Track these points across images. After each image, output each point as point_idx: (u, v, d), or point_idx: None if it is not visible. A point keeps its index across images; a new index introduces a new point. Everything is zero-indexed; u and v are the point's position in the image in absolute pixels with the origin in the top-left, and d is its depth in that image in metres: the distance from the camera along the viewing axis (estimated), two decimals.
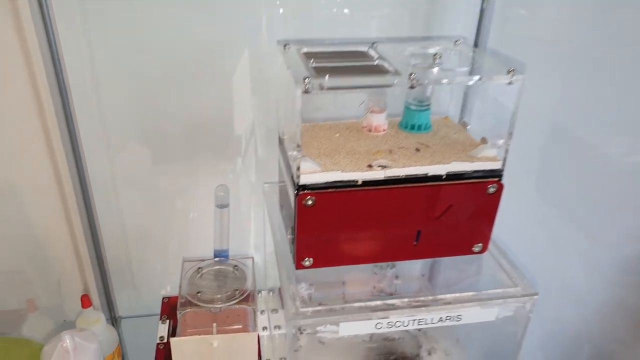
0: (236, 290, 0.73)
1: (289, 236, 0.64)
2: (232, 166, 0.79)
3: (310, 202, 0.56)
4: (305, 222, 0.58)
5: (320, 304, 0.58)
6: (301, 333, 0.79)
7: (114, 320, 0.86)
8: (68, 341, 0.59)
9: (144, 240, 0.83)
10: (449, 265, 0.72)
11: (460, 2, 0.72)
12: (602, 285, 0.66)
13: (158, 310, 0.80)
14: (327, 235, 0.59)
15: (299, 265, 0.61)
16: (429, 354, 0.80)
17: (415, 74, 0.52)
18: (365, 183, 0.57)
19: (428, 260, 0.78)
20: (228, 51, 0.70)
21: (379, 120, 0.64)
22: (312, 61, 0.57)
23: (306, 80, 0.49)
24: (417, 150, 0.61)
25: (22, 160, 0.73)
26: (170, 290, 0.88)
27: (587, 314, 0.70)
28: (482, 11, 0.69)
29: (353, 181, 0.57)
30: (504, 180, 0.60)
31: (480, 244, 0.63)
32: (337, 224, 0.58)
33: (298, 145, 0.55)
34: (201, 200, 0.80)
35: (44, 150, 0.72)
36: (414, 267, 0.81)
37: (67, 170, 0.72)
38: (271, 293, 0.88)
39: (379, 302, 0.59)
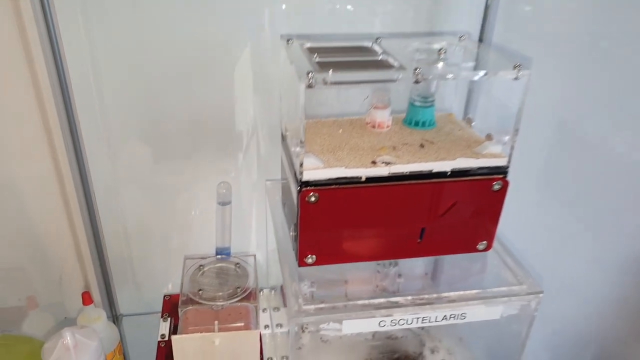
0: (238, 288, 0.72)
1: (291, 233, 0.63)
2: (233, 164, 0.79)
3: (313, 199, 0.56)
4: (308, 219, 0.57)
5: (323, 302, 0.57)
6: (303, 331, 0.79)
7: (115, 318, 0.86)
8: (69, 338, 0.59)
9: (146, 237, 0.83)
10: (453, 263, 0.72)
11: None
12: (607, 284, 0.65)
13: (159, 308, 0.80)
14: (330, 233, 0.59)
15: (301, 263, 0.60)
16: (432, 352, 0.80)
17: (420, 68, 0.51)
18: (369, 179, 0.56)
19: (431, 259, 0.77)
20: (230, 47, 0.70)
21: (383, 117, 0.63)
22: (315, 56, 0.56)
23: (310, 75, 0.49)
24: (422, 146, 0.61)
25: (24, 157, 0.72)
26: (172, 288, 0.88)
27: (592, 313, 0.69)
28: (486, 7, 0.69)
29: (356, 178, 0.56)
30: (509, 177, 0.59)
31: (484, 242, 0.63)
32: (340, 221, 0.58)
33: (301, 141, 0.54)
34: (203, 198, 0.80)
35: (45, 148, 0.72)
36: (417, 266, 0.80)
37: (68, 168, 0.72)
38: (273, 291, 0.88)
39: (382, 300, 0.58)
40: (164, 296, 0.82)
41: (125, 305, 0.88)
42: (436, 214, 0.59)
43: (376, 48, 0.62)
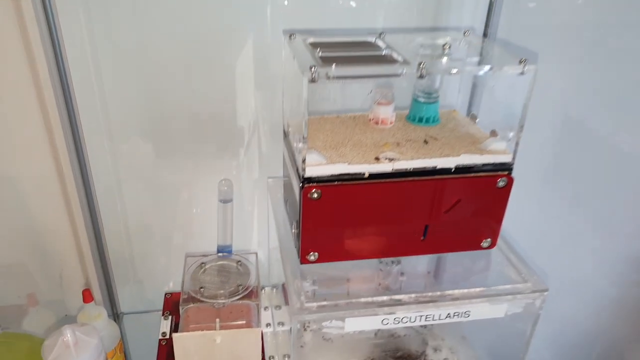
0: (239, 285, 0.72)
1: (293, 230, 0.63)
2: (235, 161, 0.78)
3: (315, 195, 0.55)
4: (311, 216, 0.57)
5: (325, 300, 0.57)
6: (305, 329, 0.78)
7: (116, 316, 0.85)
8: (69, 335, 0.59)
9: (147, 235, 0.83)
10: (456, 262, 0.71)
11: None
12: (611, 282, 0.65)
13: (160, 306, 0.79)
14: (332, 230, 0.58)
15: (303, 260, 0.60)
16: (435, 351, 0.79)
17: (424, 63, 0.50)
18: (372, 176, 0.56)
19: (434, 257, 0.77)
20: (232, 43, 0.69)
21: (386, 113, 0.63)
22: (318, 51, 0.56)
23: (313, 69, 0.48)
24: (426, 142, 0.60)
25: (24, 153, 0.72)
26: (173, 286, 0.88)
27: (596, 311, 0.69)
28: (491, 2, 0.68)
29: (360, 174, 0.56)
30: (514, 174, 0.58)
31: (489, 239, 0.62)
32: (343, 218, 0.57)
33: (304, 137, 0.53)
34: (204, 195, 0.80)
35: (46, 144, 0.71)
36: (420, 264, 0.79)
37: (69, 165, 0.72)
38: (275, 289, 0.88)
39: (385, 298, 0.58)
40: (165, 294, 0.82)
41: (126, 303, 0.87)
42: (440, 211, 0.59)
43: (380, 43, 0.61)
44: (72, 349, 0.59)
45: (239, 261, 0.77)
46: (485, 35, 0.69)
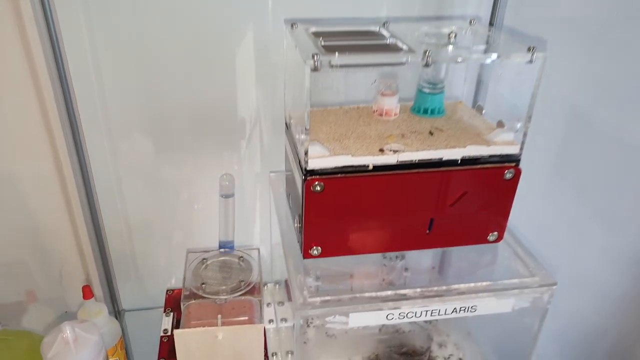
0: (242, 281, 0.71)
1: (296, 225, 0.62)
2: (236, 156, 0.77)
3: (318, 188, 0.54)
4: (314, 209, 0.56)
5: (328, 295, 0.56)
6: (308, 325, 0.77)
7: (117, 313, 0.85)
8: (68, 332, 0.58)
9: (148, 231, 0.82)
10: (462, 257, 0.70)
11: None
12: (620, 277, 0.64)
13: (162, 303, 0.79)
14: (336, 223, 0.57)
15: (306, 255, 0.59)
16: (440, 346, 0.78)
17: (430, 51, 0.49)
18: (377, 168, 0.55)
19: (439, 252, 0.76)
20: (232, 35, 0.68)
21: (391, 104, 0.62)
22: (320, 40, 0.55)
23: (315, 58, 0.47)
24: (431, 134, 0.59)
25: (22, 150, 0.71)
26: (175, 282, 0.87)
27: (604, 306, 0.68)
28: None
29: (364, 166, 0.55)
30: (521, 166, 0.57)
31: (495, 233, 0.61)
32: (346, 211, 0.56)
33: (306, 129, 0.52)
34: (206, 191, 0.79)
35: (45, 140, 0.71)
36: (425, 259, 0.78)
37: (68, 162, 0.71)
38: (277, 286, 0.87)
39: (390, 292, 0.57)
40: (167, 291, 0.81)
41: (127, 300, 0.87)
42: (446, 203, 0.58)
43: (384, 32, 0.60)
44: (71, 346, 0.58)
45: (241, 257, 0.76)
46: (491, 24, 0.67)
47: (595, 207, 0.64)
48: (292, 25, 0.60)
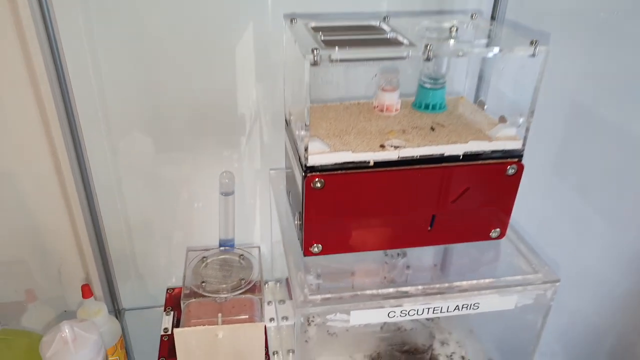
0: (242, 279, 0.70)
1: (296, 222, 0.61)
2: (236, 153, 0.77)
3: (318, 185, 0.53)
4: (314, 206, 0.55)
5: (329, 292, 0.55)
6: (309, 324, 0.76)
7: (117, 312, 0.84)
8: (67, 331, 0.57)
9: (148, 229, 0.82)
10: (464, 253, 0.69)
11: None
12: (625, 274, 0.63)
13: (163, 302, 0.78)
14: (336, 220, 0.57)
15: (307, 252, 0.58)
16: (442, 344, 0.78)
17: (431, 45, 0.48)
18: (377, 164, 0.54)
19: (440, 250, 0.75)
20: (231, 31, 0.68)
21: (392, 99, 0.61)
22: (320, 35, 0.54)
23: (315, 52, 0.46)
24: (432, 129, 0.58)
25: (21, 149, 0.71)
26: (175, 281, 0.86)
27: (608, 303, 0.67)
28: None
29: (364, 162, 0.54)
30: (524, 162, 0.56)
31: (498, 229, 0.61)
32: (347, 208, 0.56)
33: (306, 125, 0.52)
34: (206, 189, 0.78)
35: (43, 139, 0.70)
36: (426, 257, 0.78)
37: (67, 160, 0.71)
38: (278, 284, 0.86)
39: (391, 290, 0.56)
40: (167, 289, 0.81)
41: (128, 299, 0.86)
42: (447, 200, 0.57)
43: (384, 27, 0.59)
44: (70, 345, 0.57)
45: (242, 255, 0.75)
46: (493, 18, 0.67)
47: (598, 203, 0.63)
48: (291, 20, 0.59)
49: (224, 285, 0.69)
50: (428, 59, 0.49)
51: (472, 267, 0.64)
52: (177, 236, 0.83)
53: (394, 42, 0.54)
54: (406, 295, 0.56)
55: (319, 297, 0.54)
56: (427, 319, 0.79)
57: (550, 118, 0.64)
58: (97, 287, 0.82)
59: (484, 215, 0.59)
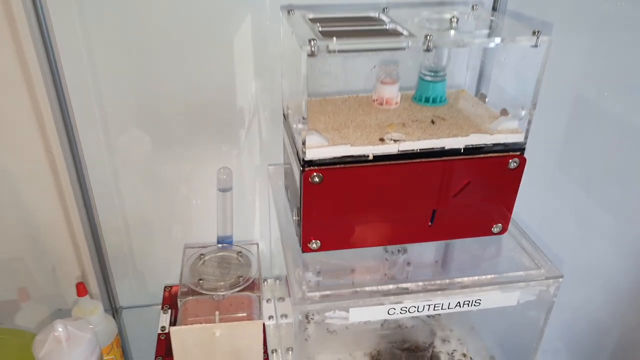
0: (240, 277, 0.69)
1: (294, 218, 0.60)
2: (235, 149, 0.76)
3: (317, 179, 0.52)
4: (312, 201, 0.54)
5: (328, 289, 0.54)
6: (308, 321, 0.76)
7: (114, 310, 0.83)
8: (61, 330, 0.56)
9: (145, 227, 0.81)
10: (465, 249, 0.69)
11: None
12: (628, 269, 0.62)
13: (161, 300, 0.77)
14: (335, 216, 0.56)
15: (305, 248, 0.57)
16: (443, 342, 0.77)
17: (431, 35, 0.47)
18: (377, 158, 0.53)
19: (442, 246, 0.75)
20: (229, 25, 0.67)
21: (391, 92, 0.60)
22: (318, 26, 0.53)
23: (312, 43, 0.45)
24: (433, 123, 0.57)
25: (14, 144, 0.70)
26: (174, 279, 0.85)
27: (611, 299, 0.67)
28: None
29: (363, 156, 0.53)
30: (526, 155, 0.55)
31: (499, 224, 0.60)
32: (346, 203, 0.55)
33: (303, 118, 0.51)
34: (204, 185, 0.78)
35: (37, 134, 0.69)
36: (427, 253, 0.77)
37: (62, 157, 0.70)
38: (278, 281, 0.85)
39: (391, 287, 0.55)
40: (165, 287, 0.80)
41: (125, 297, 0.86)
42: (448, 194, 0.56)
43: (383, 18, 0.58)
44: (64, 344, 0.56)
45: (240, 252, 0.74)
46: (494, 9, 0.66)
47: (602, 197, 0.62)
48: (288, 12, 0.58)
49: (222, 283, 0.68)
50: (428, 50, 0.48)
51: (473, 263, 0.63)
52: (175, 233, 0.82)
53: (393, 33, 0.53)
54: (406, 291, 0.55)
55: (317, 294, 0.53)
56: (428, 316, 0.78)
57: (553, 110, 0.63)
58: (94, 285, 0.81)
59: (485, 210, 0.58)
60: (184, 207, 0.80)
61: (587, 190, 0.64)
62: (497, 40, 0.50)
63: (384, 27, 0.55)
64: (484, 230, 0.60)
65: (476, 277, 0.56)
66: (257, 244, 0.78)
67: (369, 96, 0.64)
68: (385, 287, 0.55)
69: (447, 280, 0.56)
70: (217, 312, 0.65)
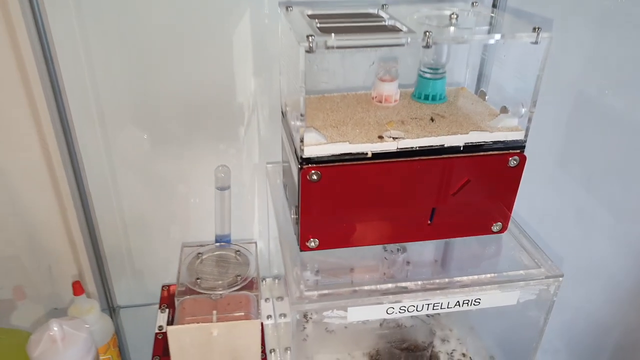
0: (238, 276, 0.69)
1: (292, 216, 0.60)
2: (234, 148, 0.76)
3: (315, 177, 0.52)
4: (310, 200, 0.54)
5: (326, 288, 0.53)
6: (306, 320, 0.75)
7: (112, 309, 0.83)
8: (56, 329, 0.56)
9: (142, 225, 0.80)
10: (465, 248, 0.68)
11: None
12: (629, 269, 0.62)
13: (158, 299, 0.77)
14: (333, 214, 0.55)
15: (303, 247, 0.57)
16: (443, 341, 0.76)
17: (431, 32, 0.47)
18: (376, 156, 0.53)
19: (441, 245, 0.74)
20: (228, 23, 0.66)
21: (390, 90, 0.60)
22: (316, 22, 0.52)
23: (310, 38, 0.45)
24: (432, 120, 0.57)
25: (11, 143, 0.69)
26: (172, 278, 0.85)
27: (612, 299, 0.66)
28: None
29: (362, 154, 0.53)
30: (526, 153, 0.55)
31: (499, 223, 0.59)
32: (344, 201, 0.54)
33: (301, 115, 0.50)
34: (202, 184, 0.77)
35: (34, 132, 0.69)
36: (427, 252, 0.77)
37: (58, 154, 0.69)
38: (276, 280, 0.85)
39: (390, 286, 0.55)
40: (162, 287, 0.79)
41: (123, 296, 0.85)
42: (448, 192, 0.56)
43: (382, 14, 0.57)
44: (59, 344, 0.56)
45: (238, 251, 0.74)
46: (494, 6, 0.65)
47: (603, 196, 0.62)
48: (287, 8, 0.57)
49: (220, 282, 0.68)
50: (427, 46, 0.47)
51: (473, 262, 0.63)
52: (173, 232, 0.81)
53: (392, 29, 0.52)
54: (405, 290, 0.54)
55: (315, 293, 0.53)
56: (427, 316, 0.78)
57: (554, 108, 0.63)
58: (91, 284, 0.80)
59: (485, 209, 0.58)
60: (182, 206, 0.79)
61: (588, 189, 0.63)
62: (497, 36, 0.50)
63: (383, 23, 0.54)
64: (484, 229, 0.60)
65: (476, 276, 0.56)
66: (256, 243, 0.77)
67: (367, 93, 0.63)
68: (384, 286, 0.54)
69: (447, 280, 0.55)
70: (214, 312, 0.65)
